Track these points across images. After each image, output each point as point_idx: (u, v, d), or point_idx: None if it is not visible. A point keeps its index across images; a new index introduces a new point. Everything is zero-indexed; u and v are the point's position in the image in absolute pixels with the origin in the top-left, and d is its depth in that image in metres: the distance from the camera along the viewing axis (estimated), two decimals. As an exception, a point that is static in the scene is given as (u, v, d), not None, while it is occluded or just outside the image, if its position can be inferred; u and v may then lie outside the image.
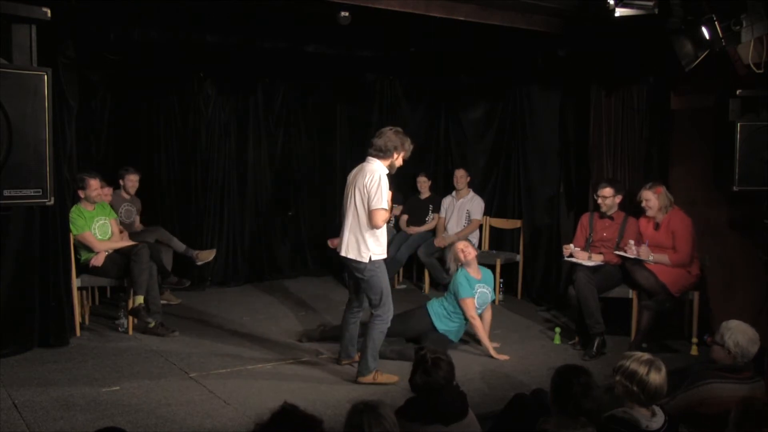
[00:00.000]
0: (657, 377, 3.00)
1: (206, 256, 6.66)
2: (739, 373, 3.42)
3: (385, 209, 4.61)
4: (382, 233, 4.73)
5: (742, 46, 4.78)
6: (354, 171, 4.83)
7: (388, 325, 4.80)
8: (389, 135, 4.71)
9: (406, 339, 5.45)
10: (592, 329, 5.41)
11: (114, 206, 6.36)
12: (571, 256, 5.75)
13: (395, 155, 4.72)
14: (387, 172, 4.71)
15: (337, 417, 4.14)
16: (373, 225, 4.62)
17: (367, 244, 4.64)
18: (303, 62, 7.49)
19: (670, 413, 3.12)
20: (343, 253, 4.73)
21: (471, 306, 5.37)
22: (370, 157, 4.73)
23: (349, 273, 4.94)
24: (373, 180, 4.59)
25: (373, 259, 4.65)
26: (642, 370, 3.00)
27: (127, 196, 6.67)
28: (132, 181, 6.65)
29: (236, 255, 7.80)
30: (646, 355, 3.10)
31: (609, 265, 5.67)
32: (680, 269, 5.41)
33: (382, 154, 4.69)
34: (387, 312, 4.73)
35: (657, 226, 5.51)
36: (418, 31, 6.20)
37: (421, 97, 8.56)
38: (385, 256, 4.77)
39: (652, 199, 5.46)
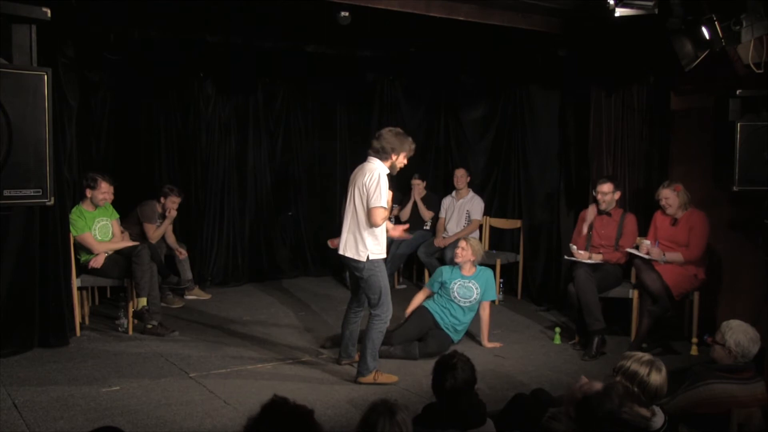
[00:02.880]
0: (657, 378, 3.00)
1: (198, 293, 7.03)
2: (740, 373, 3.41)
3: (384, 208, 4.61)
4: (382, 232, 4.73)
5: (742, 46, 4.77)
6: (355, 170, 4.84)
7: (387, 324, 4.80)
8: (386, 136, 4.72)
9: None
10: (591, 326, 5.41)
11: (147, 216, 6.52)
12: (571, 255, 5.76)
13: (394, 156, 4.72)
14: (387, 172, 4.71)
15: (337, 417, 4.15)
16: (371, 223, 4.62)
17: (365, 243, 4.65)
18: (303, 62, 7.50)
19: (670, 413, 3.12)
20: (341, 252, 4.75)
21: (422, 293, 5.73)
22: (370, 157, 4.75)
23: (349, 272, 4.95)
24: (373, 179, 4.60)
25: (371, 258, 4.65)
26: (643, 370, 3.01)
27: (160, 210, 6.67)
28: (173, 202, 6.67)
29: (236, 255, 7.80)
30: (647, 356, 3.10)
31: (609, 264, 5.67)
32: (687, 272, 5.41)
33: (380, 155, 4.71)
34: (386, 312, 4.73)
35: (675, 222, 5.52)
36: (418, 31, 6.20)
37: (421, 97, 8.56)
38: (384, 255, 4.77)
39: (671, 197, 5.47)
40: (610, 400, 2.86)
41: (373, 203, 4.58)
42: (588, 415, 2.86)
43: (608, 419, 2.77)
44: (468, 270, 5.57)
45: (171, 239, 6.75)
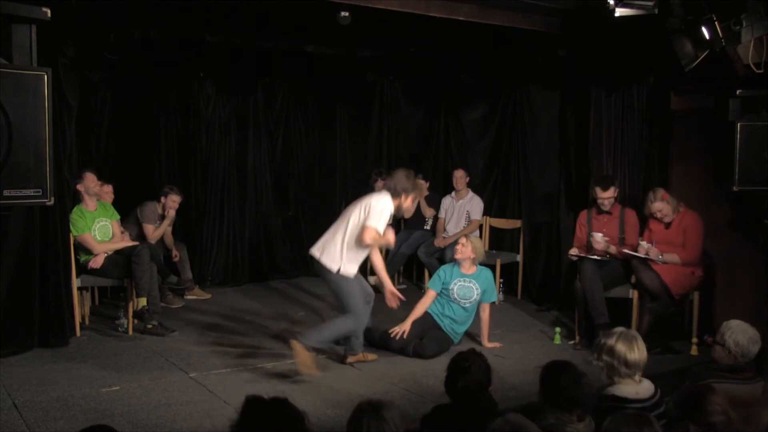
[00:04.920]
0: (623, 346, 3.16)
1: (198, 293, 7.02)
2: (740, 373, 3.41)
3: (378, 232, 4.74)
4: (362, 255, 4.84)
5: (742, 46, 4.77)
6: (364, 196, 4.99)
7: (357, 330, 4.83)
8: (400, 177, 4.91)
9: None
10: (597, 320, 5.42)
11: (147, 216, 6.54)
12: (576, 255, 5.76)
13: (403, 197, 4.88)
14: (392, 209, 4.85)
15: (337, 417, 4.14)
16: (361, 239, 4.73)
17: (342, 256, 4.74)
18: (303, 62, 7.50)
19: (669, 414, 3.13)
20: (318, 255, 4.82)
21: (428, 296, 5.57)
22: (383, 191, 4.95)
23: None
24: (380, 204, 4.75)
25: (341, 272, 4.76)
26: (611, 341, 3.19)
27: (160, 210, 6.67)
28: (174, 201, 6.66)
29: (236, 255, 7.80)
30: (618, 329, 3.28)
31: (615, 261, 5.67)
32: (685, 270, 5.41)
33: (392, 193, 4.88)
34: (359, 318, 4.79)
35: (668, 225, 5.52)
36: (418, 31, 6.20)
37: (421, 98, 8.57)
38: (352, 276, 4.84)
39: (664, 208, 5.47)
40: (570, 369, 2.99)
41: (371, 223, 4.71)
42: (551, 382, 2.98)
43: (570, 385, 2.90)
44: (468, 268, 5.57)
45: (169, 240, 6.75)
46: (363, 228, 4.70)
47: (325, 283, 4.94)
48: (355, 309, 4.77)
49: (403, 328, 5.32)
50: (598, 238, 5.64)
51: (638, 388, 3.07)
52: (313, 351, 4.78)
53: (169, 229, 6.75)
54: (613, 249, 5.66)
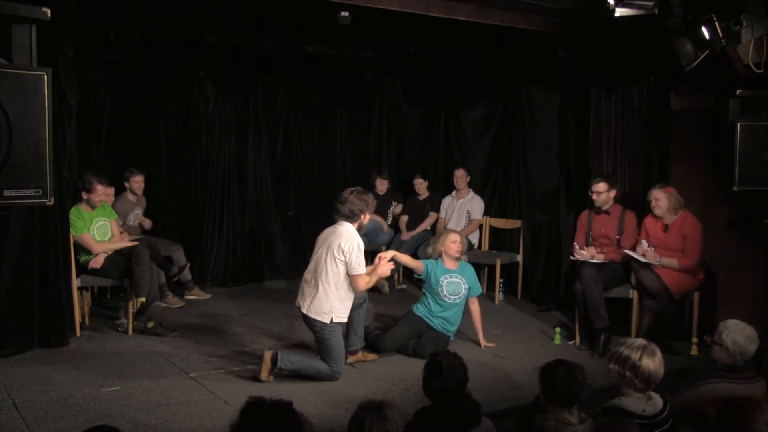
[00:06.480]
0: (650, 362, 3.06)
1: (198, 293, 6.99)
2: (740, 372, 3.42)
3: (368, 276, 4.80)
4: (351, 297, 4.83)
5: (742, 46, 4.78)
6: (326, 231, 4.91)
7: (332, 380, 4.77)
8: (352, 200, 4.82)
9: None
10: (597, 324, 5.41)
11: (122, 211, 6.49)
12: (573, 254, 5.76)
13: (362, 216, 4.85)
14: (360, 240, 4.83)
15: (337, 417, 4.15)
16: (355, 288, 4.76)
17: (332, 304, 4.72)
18: (303, 62, 7.50)
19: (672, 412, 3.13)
20: (305, 311, 4.79)
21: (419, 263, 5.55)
22: (341, 221, 4.85)
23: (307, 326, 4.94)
24: (352, 246, 4.70)
25: (334, 321, 4.74)
26: (635, 355, 3.07)
27: (133, 198, 6.70)
28: (138, 182, 6.68)
29: (236, 255, 7.80)
30: (640, 341, 3.16)
31: (613, 263, 5.67)
32: (686, 273, 5.40)
33: (350, 219, 4.82)
34: (336, 368, 4.77)
35: (666, 228, 5.50)
36: (418, 31, 6.21)
37: (421, 97, 8.57)
38: (344, 320, 4.84)
39: (662, 198, 5.44)
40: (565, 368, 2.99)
41: (356, 271, 4.71)
42: (549, 380, 3.00)
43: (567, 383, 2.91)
44: (452, 264, 5.55)
45: (143, 221, 6.82)
46: (352, 278, 4.73)
47: (309, 330, 4.90)
48: (335, 361, 4.75)
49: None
50: (577, 251, 5.68)
51: (646, 405, 3.03)
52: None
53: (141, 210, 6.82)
54: (600, 257, 5.63)
